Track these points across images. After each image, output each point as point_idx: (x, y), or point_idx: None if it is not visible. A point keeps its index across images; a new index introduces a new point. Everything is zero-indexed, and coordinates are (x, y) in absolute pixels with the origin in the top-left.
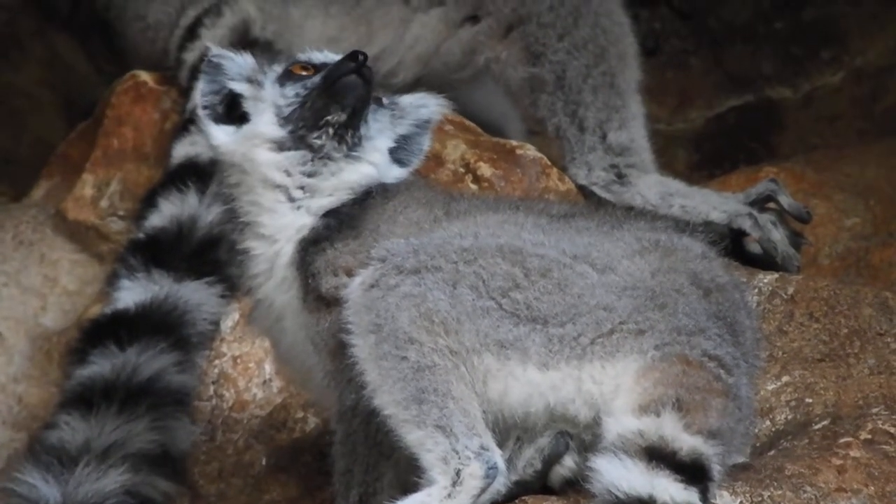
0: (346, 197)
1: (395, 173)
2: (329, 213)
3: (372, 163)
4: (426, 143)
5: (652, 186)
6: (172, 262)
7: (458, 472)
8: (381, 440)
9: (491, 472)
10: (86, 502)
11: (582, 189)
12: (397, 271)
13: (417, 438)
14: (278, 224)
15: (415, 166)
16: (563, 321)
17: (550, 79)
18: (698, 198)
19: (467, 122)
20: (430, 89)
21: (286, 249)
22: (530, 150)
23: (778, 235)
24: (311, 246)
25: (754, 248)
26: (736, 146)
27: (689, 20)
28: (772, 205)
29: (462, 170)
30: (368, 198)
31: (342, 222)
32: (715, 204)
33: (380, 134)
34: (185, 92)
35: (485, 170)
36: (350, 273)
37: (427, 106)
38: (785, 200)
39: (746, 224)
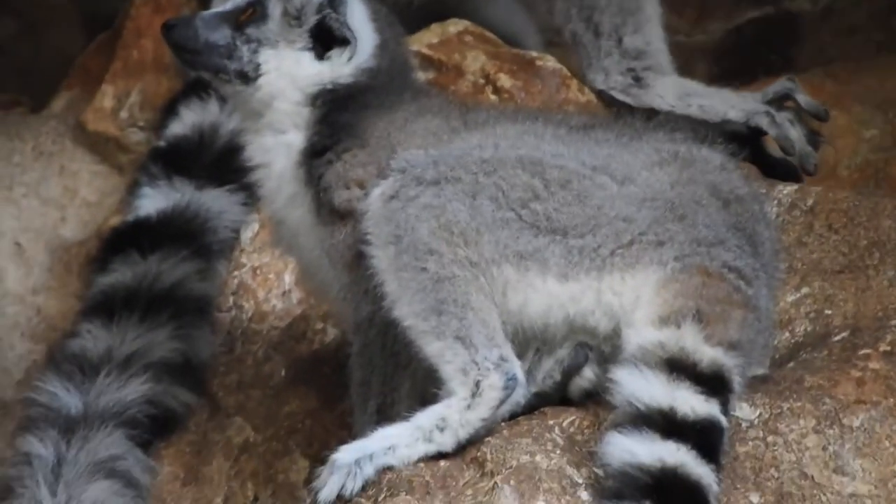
0: (294, 108)
1: (339, 62)
2: (320, 122)
3: (277, 73)
4: (345, 15)
5: (670, 87)
6: (194, 170)
7: (477, 384)
8: (399, 351)
9: (510, 384)
10: (107, 411)
11: (600, 94)
12: (417, 182)
13: (437, 349)
14: (269, 142)
15: (355, 41)
16: (582, 232)
17: None
18: (716, 97)
19: (487, 34)
20: (446, 3)
21: (286, 165)
22: (550, 62)
23: (795, 133)
24: (313, 159)
25: (774, 149)
26: (755, 58)
27: None
28: (790, 103)
29: (482, 81)
30: (358, 106)
31: (339, 131)
32: (733, 103)
33: (270, 42)
34: (204, 3)
35: (504, 81)
36: (362, 185)
37: None
38: (802, 99)
39: (763, 122)
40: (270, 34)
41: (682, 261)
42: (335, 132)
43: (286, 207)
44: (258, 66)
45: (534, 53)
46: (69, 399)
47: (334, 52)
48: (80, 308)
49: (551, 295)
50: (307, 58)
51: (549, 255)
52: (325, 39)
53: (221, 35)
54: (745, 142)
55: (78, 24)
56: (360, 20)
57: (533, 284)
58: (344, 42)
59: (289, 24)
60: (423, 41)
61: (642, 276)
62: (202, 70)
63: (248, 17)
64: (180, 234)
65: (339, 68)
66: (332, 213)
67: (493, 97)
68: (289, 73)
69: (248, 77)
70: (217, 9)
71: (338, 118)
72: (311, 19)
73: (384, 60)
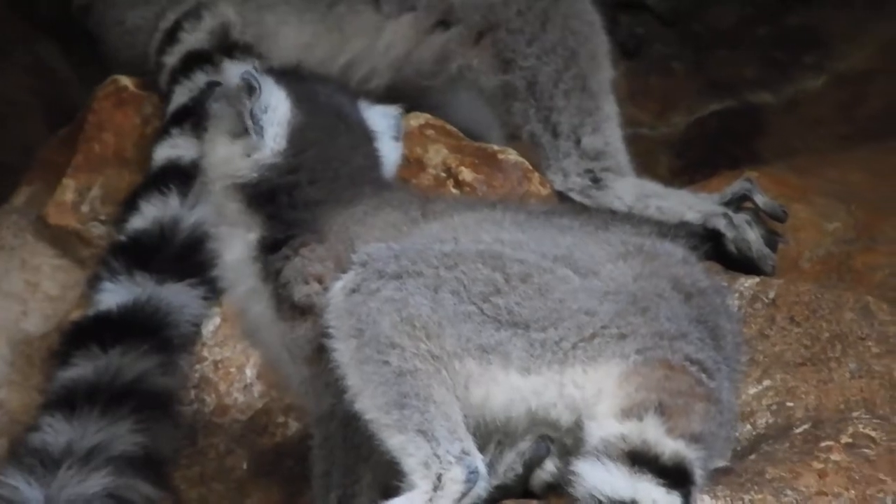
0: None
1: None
2: (270, 218)
3: (225, 149)
4: (265, 99)
5: (628, 189)
6: (154, 264)
7: (439, 477)
8: (360, 443)
9: (472, 477)
10: None
11: (560, 195)
12: (378, 276)
13: (399, 443)
14: (224, 233)
15: (266, 129)
16: (544, 326)
17: (522, 85)
18: (674, 199)
19: (448, 127)
20: (406, 96)
21: (242, 258)
22: (512, 155)
23: (753, 235)
24: (269, 254)
25: (732, 248)
26: (718, 151)
27: (672, 26)
28: (748, 204)
29: (444, 174)
30: (310, 201)
31: (293, 226)
32: (690, 204)
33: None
34: (166, 96)
35: (466, 174)
36: (321, 280)
37: (231, 72)
38: (760, 199)
39: (721, 224)
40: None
41: (644, 353)
42: (288, 227)
43: (246, 300)
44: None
45: (496, 147)
46: (31, 493)
47: (240, 142)
48: (41, 402)
49: (513, 388)
50: (223, 143)
51: (511, 349)
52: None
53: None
54: (706, 237)
55: (41, 118)
56: (274, 115)
57: (495, 378)
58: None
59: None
60: None
61: (604, 369)
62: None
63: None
64: (141, 328)
65: (239, 161)
66: (292, 309)
67: (454, 190)
68: (220, 160)
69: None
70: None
71: (287, 213)
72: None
73: (305, 158)
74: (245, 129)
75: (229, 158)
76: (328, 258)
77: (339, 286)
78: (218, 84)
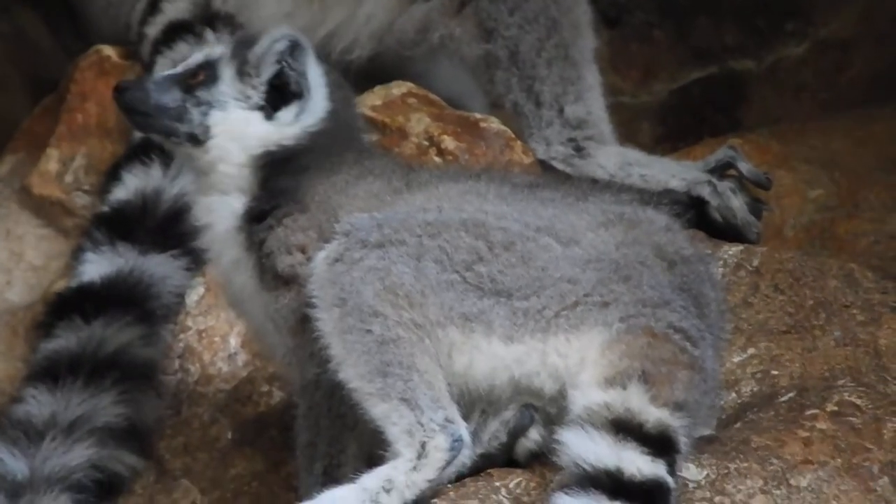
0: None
1: (287, 122)
2: (260, 187)
3: (226, 135)
4: (304, 65)
5: (611, 157)
6: (137, 235)
7: (423, 445)
8: (345, 412)
9: (456, 445)
10: (52, 476)
11: (542, 163)
12: (361, 245)
13: (382, 411)
14: (214, 203)
15: (311, 95)
16: (526, 294)
17: (504, 55)
18: (657, 167)
19: (431, 96)
20: (388, 66)
21: (228, 228)
22: (494, 123)
23: (737, 203)
24: (253, 224)
25: (716, 215)
26: (700, 119)
27: None
28: (732, 172)
29: (426, 143)
30: (299, 169)
31: (279, 196)
32: (674, 172)
33: (219, 104)
34: (148, 66)
35: (449, 143)
36: (304, 250)
37: (276, 40)
38: (744, 167)
39: (705, 191)
40: (221, 96)
41: (627, 322)
42: (275, 196)
43: (231, 270)
44: (208, 128)
45: (478, 115)
46: (15, 464)
47: (283, 112)
48: (25, 373)
49: (496, 356)
50: (256, 118)
51: (493, 317)
52: (278, 99)
53: (172, 98)
54: (689, 205)
55: (22, 88)
56: (315, 79)
57: (478, 346)
58: (296, 96)
59: (242, 82)
60: (367, 103)
61: (587, 337)
62: (153, 132)
63: (199, 81)
64: (124, 299)
65: (286, 129)
66: (276, 279)
67: (437, 159)
68: (237, 135)
69: (198, 139)
70: (168, 72)
71: (277, 182)
72: (270, 68)
73: (331, 123)
74: (292, 93)
75: (255, 130)
76: (311, 228)
77: (321, 256)
78: None
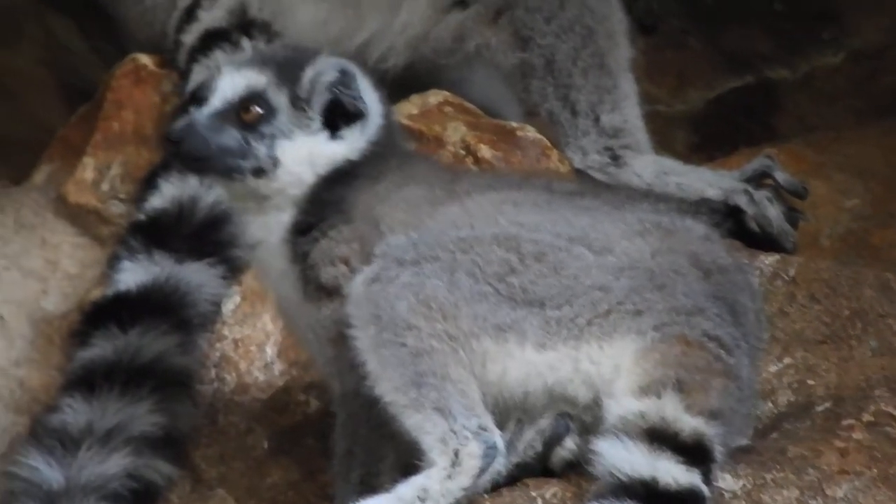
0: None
1: (352, 138)
2: (309, 200)
3: (295, 162)
4: (357, 90)
5: (647, 166)
6: (173, 244)
7: (456, 453)
8: (384, 423)
9: (490, 452)
10: (89, 486)
11: (578, 172)
12: (397, 264)
13: (416, 422)
14: (270, 221)
15: (370, 112)
16: (559, 303)
17: (540, 63)
18: (693, 176)
19: (467, 104)
20: (424, 74)
21: (276, 241)
22: (530, 132)
23: (773, 212)
24: (299, 236)
25: (753, 225)
26: (735, 127)
27: (686, 1)
28: (768, 181)
29: (462, 152)
30: (349, 179)
31: (326, 208)
32: (710, 181)
33: (284, 134)
34: (184, 74)
35: (485, 151)
36: (347, 262)
37: (323, 72)
38: (780, 176)
39: (742, 200)
40: (283, 126)
41: (661, 330)
42: (322, 208)
43: (277, 282)
44: (276, 159)
45: (514, 124)
46: (51, 473)
47: (347, 131)
48: (60, 383)
49: (529, 363)
50: (322, 140)
51: (526, 326)
52: (337, 116)
53: (230, 137)
54: (727, 214)
55: (56, 94)
56: (369, 96)
57: (511, 354)
58: (356, 117)
59: (297, 110)
60: (403, 112)
61: (620, 344)
62: (214, 174)
63: (256, 116)
64: (160, 307)
65: (353, 144)
66: (319, 290)
67: (473, 168)
68: (307, 160)
69: (264, 171)
70: (210, 109)
71: (326, 195)
72: (322, 98)
73: (385, 132)
74: (350, 114)
75: (323, 151)
76: (354, 240)
77: (360, 278)
78: None
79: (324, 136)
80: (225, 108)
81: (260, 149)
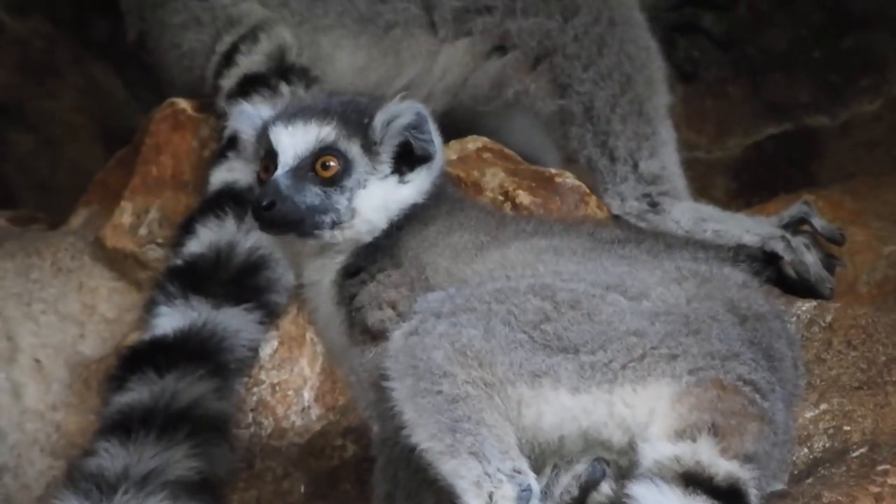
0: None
1: (419, 181)
2: (363, 244)
3: (372, 210)
4: (429, 133)
5: (686, 213)
6: (211, 289)
7: (490, 495)
8: (424, 467)
9: (524, 495)
10: None
11: (617, 218)
12: (434, 316)
13: (452, 467)
14: (328, 263)
15: (436, 155)
16: (593, 349)
17: (579, 110)
18: (731, 222)
19: (506, 150)
20: (462, 120)
21: (326, 284)
22: (569, 178)
23: (811, 258)
24: (348, 279)
25: (790, 271)
26: (774, 174)
27: (727, 49)
28: (805, 227)
29: (501, 198)
30: (402, 224)
31: (376, 251)
32: (748, 227)
33: (360, 184)
34: (223, 118)
35: (523, 198)
36: (395, 306)
37: (399, 114)
38: (818, 222)
39: (779, 247)
40: (360, 177)
41: (696, 374)
42: (373, 252)
43: (325, 323)
44: (355, 210)
45: (552, 170)
46: None
47: (415, 174)
48: (97, 427)
49: (563, 407)
50: (392, 184)
51: (561, 372)
52: (405, 159)
53: (314, 195)
54: (766, 262)
55: (96, 139)
56: (436, 136)
57: (546, 398)
58: (422, 160)
59: (370, 156)
60: None
61: (655, 388)
62: (302, 234)
63: (335, 171)
64: (197, 352)
65: (420, 187)
66: (364, 333)
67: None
68: (382, 206)
69: (342, 223)
70: (285, 168)
71: (379, 241)
72: (395, 142)
73: (443, 177)
74: (417, 157)
75: (395, 196)
76: (403, 284)
77: (398, 332)
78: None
79: (394, 180)
80: (298, 166)
81: (341, 202)
